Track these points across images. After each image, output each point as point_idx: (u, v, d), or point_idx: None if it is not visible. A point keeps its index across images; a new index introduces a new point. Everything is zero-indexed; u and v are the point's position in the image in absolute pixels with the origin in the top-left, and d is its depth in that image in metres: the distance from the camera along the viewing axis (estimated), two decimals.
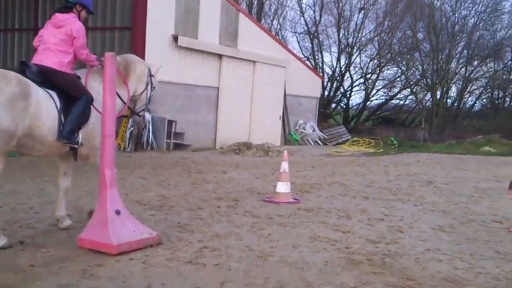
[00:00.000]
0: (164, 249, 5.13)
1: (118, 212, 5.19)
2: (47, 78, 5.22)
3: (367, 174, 12.28)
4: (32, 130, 4.92)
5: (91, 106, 5.42)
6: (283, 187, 8.15)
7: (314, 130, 24.53)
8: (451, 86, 32.61)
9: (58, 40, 5.34)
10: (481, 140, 23.20)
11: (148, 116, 6.42)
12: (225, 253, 5.06)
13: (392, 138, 24.40)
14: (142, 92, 6.08)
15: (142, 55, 15.89)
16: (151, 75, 6.16)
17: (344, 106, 36.13)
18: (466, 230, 6.48)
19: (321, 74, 30.85)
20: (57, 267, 4.54)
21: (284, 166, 8.22)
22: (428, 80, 31.69)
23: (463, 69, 32.11)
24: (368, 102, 35.72)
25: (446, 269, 4.70)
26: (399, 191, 9.61)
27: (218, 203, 7.80)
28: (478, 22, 31.51)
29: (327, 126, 27.21)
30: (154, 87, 6.26)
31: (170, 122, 16.30)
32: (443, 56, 31.10)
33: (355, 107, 36.46)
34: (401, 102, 35.62)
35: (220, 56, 18.97)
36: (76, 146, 5.34)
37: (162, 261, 4.76)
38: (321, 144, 24.06)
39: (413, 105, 34.60)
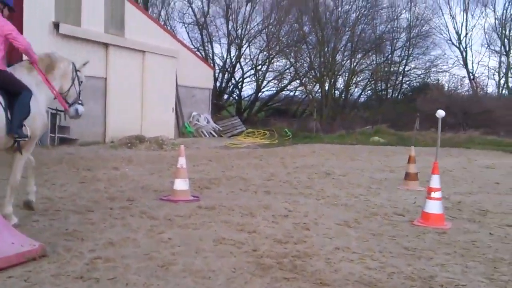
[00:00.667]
0: (49, 263, 4.45)
1: None
2: None
3: (266, 166, 12.22)
4: None
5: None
6: (181, 184, 7.69)
7: (208, 122, 24.20)
8: (338, 78, 34.05)
9: None
10: (369, 130, 24.45)
11: (81, 108, 6.39)
12: (121, 264, 4.52)
13: (286, 129, 24.83)
14: (70, 88, 6.21)
15: None
16: (76, 70, 6.33)
17: (237, 97, 36.27)
18: (371, 224, 6.51)
19: (212, 65, 30.56)
20: None
21: (181, 161, 7.75)
22: (316, 72, 32.76)
23: (348, 61, 33.63)
24: (260, 93, 36.18)
25: (358, 270, 4.59)
26: (300, 184, 9.61)
27: (110, 204, 7.14)
28: (359, 17, 33.12)
29: (221, 118, 27.04)
30: (81, 82, 6.41)
31: (54, 115, 14.93)
32: (329, 49, 32.29)
33: (247, 98, 36.75)
34: (292, 93, 36.58)
35: (106, 45, 17.84)
36: (26, 139, 5.51)
37: (47, 277, 4.11)
38: (216, 136, 23.81)
39: (303, 96, 35.68)
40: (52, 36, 15.52)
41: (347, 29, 32.62)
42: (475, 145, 21.19)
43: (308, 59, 33.43)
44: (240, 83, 36.01)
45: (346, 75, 34.15)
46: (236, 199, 7.88)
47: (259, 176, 10.51)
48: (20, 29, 14.21)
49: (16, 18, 14.34)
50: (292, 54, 33.55)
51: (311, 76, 33.97)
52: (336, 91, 34.27)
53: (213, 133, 23.90)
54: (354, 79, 34.64)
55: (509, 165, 14.23)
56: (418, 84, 36.00)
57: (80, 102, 6.35)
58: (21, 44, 5.61)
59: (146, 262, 4.61)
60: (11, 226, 4.65)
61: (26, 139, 5.52)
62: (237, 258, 4.87)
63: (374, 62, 35.08)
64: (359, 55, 33.53)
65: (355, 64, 33.58)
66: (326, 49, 32.05)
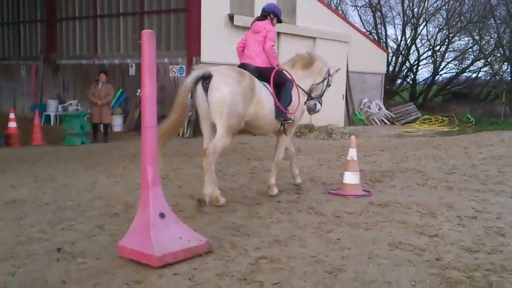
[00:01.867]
0: (215, 260, 4.35)
1: (162, 215, 4.46)
2: (260, 74, 6.60)
3: (446, 158, 10.97)
4: (257, 113, 6.32)
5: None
6: (351, 178, 7.15)
7: (380, 109, 23.03)
8: None
9: (257, 44, 6.76)
10: None
11: (319, 106, 7.31)
12: (286, 266, 4.20)
13: (468, 115, 22.40)
14: (319, 83, 7.22)
15: (197, 37, 15.23)
16: (329, 74, 7.30)
17: (411, 82, 33.96)
18: None
19: (385, 48, 29.03)
20: (91, 283, 3.89)
21: (352, 153, 7.20)
22: (506, 49, 28.98)
23: None
24: (437, 76, 33.40)
25: None
26: (489, 180, 8.33)
27: (277, 197, 6.95)
28: None
29: (394, 104, 25.57)
30: (329, 85, 7.39)
31: None
32: None
33: (423, 82, 34.22)
34: (474, 75, 32.97)
35: (278, 34, 17.95)
36: (290, 121, 6.73)
37: (212, 277, 3.98)
38: (388, 123, 22.55)
39: (488, 77, 31.94)
40: (227, 28, 16.11)
41: None
42: None
43: (496, 36, 29.73)
44: (415, 66, 33.69)
45: None
46: (412, 195, 7.08)
47: (438, 169, 9.43)
48: (198, 22, 15.27)
49: (195, 12, 15.26)
50: (476, 30, 30.19)
51: (498, 55, 30.20)
52: None
53: (385, 121, 22.70)
54: None
55: None
56: None
57: (320, 101, 7.30)
58: (265, 47, 6.70)
59: (313, 265, 4.23)
60: (178, 219, 4.66)
61: (290, 121, 6.70)
62: (417, 268, 4.20)
63: None
64: None
65: None
66: None
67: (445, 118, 21.82)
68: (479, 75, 32.75)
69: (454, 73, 33.08)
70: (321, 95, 7.28)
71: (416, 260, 4.37)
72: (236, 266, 4.19)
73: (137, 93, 16.36)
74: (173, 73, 15.82)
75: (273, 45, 6.75)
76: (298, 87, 6.92)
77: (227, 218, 5.78)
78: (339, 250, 4.64)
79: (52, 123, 17.79)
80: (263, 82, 6.52)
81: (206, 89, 5.99)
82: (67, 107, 18.19)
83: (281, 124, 6.74)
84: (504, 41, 28.96)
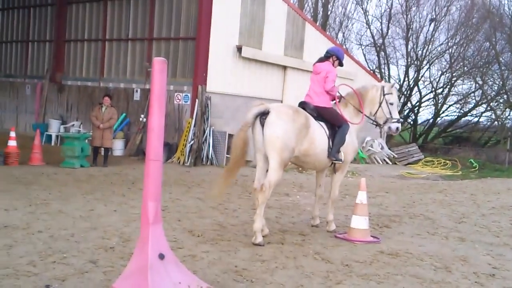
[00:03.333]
0: None
1: (161, 257, 4.13)
2: (319, 113, 6.92)
3: (454, 204, 10.64)
4: (308, 150, 6.59)
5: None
6: (360, 223, 6.82)
7: (382, 148, 22.79)
8: None
9: (318, 84, 7.07)
10: None
11: (394, 126, 7.34)
12: None
13: (472, 160, 22.19)
14: (377, 111, 7.32)
15: (204, 65, 15.12)
16: (384, 94, 7.26)
17: (412, 122, 33.92)
18: None
19: None
20: None
21: (362, 196, 6.89)
22: (510, 95, 29.00)
23: None
24: (438, 119, 33.34)
25: None
26: (501, 232, 7.99)
27: (281, 238, 6.60)
28: None
29: (396, 144, 25.39)
30: (391, 103, 7.28)
31: (231, 136, 15.31)
32: None
33: (424, 123, 34.18)
34: (475, 119, 32.89)
35: (284, 67, 17.88)
36: (340, 162, 7.00)
37: None
38: (390, 163, 22.29)
39: (489, 122, 31.87)
40: (235, 59, 16.02)
41: None
42: None
43: (500, 81, 29.79)
44: (417, 107, 33.71)
45: None
46: (423, 245, 6.73)
47: (447, 216, 9.09)
48: (206, 52, 15.17)
49: (204, 41, 15.16)
50: (479, 75, 30.28)
51: (501, 101, 30.21)
52: None
53: (387, 160, 22.43)
54: None
55: None
56: None
57: (395, 120, 7.31)
58: (326, 87, 6.98)
59: None
60: (178, 261, 4.31)
61: (341, 162, 7.00)
62: None
63: None
64: None
65: None
66: None
67: (447, 162, 21.55)
68: (481, 120, 32.75)
69: (456, 116, 33.09)
70: (392, 117, 7.28)
71: None
72: None
73: (141, 118, 16.16)
74: (178, 100, 15.64)
75: (334, 86, 7.00)
76: (352, 126, 7.14)
77: (229, 260, 5.43)
78: None
79: (53, 143, 17.52)
80: (320, 122, 6.84)
81: (263, 124, 6.33)
82: (69, 128, 17.96)
83: (332, 163, 7.04)
84: (508, 87, 28.97)
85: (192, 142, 14.74)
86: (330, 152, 6.82)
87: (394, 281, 5.06)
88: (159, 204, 4.25)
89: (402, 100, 32.73)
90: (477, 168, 21.03)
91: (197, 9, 15.57)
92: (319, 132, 6.74)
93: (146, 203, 4.20)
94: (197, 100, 14.87)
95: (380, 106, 7.25)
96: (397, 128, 7.33)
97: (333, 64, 7.21)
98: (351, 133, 7.07)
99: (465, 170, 20.36)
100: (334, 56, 7.25)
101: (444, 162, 21.59)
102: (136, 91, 16.92)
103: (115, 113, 13.26)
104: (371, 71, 30.03)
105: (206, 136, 14.94)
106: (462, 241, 7.16)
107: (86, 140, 13.20)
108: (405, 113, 33.94)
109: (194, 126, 14.79)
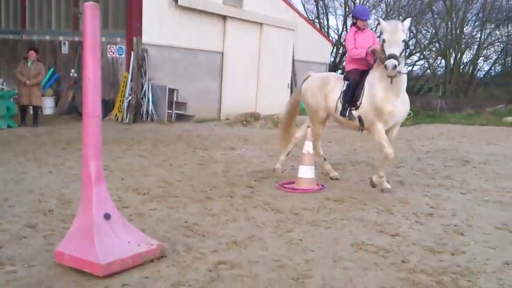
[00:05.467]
0: (168, 266, 3.92)
1: (107, 217, 3.98)
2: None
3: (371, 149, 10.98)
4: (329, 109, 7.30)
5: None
6: (307, 172, 6.90)
7: None
8: (465, 51, 30.95)
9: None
10: (502, 109, 21.80)
11: (386, 63, 6.16)
12: (248, 273, 3.85)
13: None
14: (381, 54, 6.52)
15: (138, 15, 14.40)
16: (381, 34, 6.58)
17: None
18: None
19: (329, 38, 29.20)
20: None
21: (308, 146, 6.96)
22: (442, 44, 30.02)
23: (477, 33, 30.39)
24: None
25: None
26: (437, 174, 8.36)
27: (230, 191, 6.57)
28: None
29: None
30: (384, 40, 6.33)
31: (171, 91, 14.93)
32: (457, 19, 29.34)
33: None
34: (409, 68, 33.89)
35: (224, 17, 17.39)
36: (352, 118, 6.88)
37: (167, 287, 3.56)
38: None
39: (422, 71, 33.06)
40: (171, 8, 15.34)
41: None
42: None
43: (433, 30, 30.73)
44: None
45: (474, 48, 30.88)
46: (366, 190, 6.93)
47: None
48: (139, 3, 14.43)
49: None
50: (414, 24, 30.98)
51: (434, 49, 31.26)
52: (462, 66, 31.20)
53: None
54: (483, 52, 31.24)
55: None
56: None
57: (386, 56, 6.24)
58: (350, 54, 7.17)
59: (277, 271, 3.90)
60: (126, 220, 4.17)
61: (353, 118, 6.90)
62: (384, 272, 3.98)
63: (506, 34, 31.31)
64: (492, 26, 30.03)
65: (485, 36, 30.21)
66: (454, 19, 29.13)
67: None
68: (414, 69, 33.82)
69: None
70: (385, 54, 6.21)
71: (382, 263, 4.16)
72: (193, 274, 3.79)
73: (71, 73, 15.34)
74: (111, 53, 14.88)
75: (351, 49, 7.09)
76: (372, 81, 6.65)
77: (178, 216, 5.35)
78: (302, 252, 4.34)
79: None
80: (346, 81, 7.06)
81: None
82: None
83: (359, 121, 6.85)
84: (440, 36, 29.94)
85: (130, 97, 14.24)
86: (341, 110, 6.95)
87: (341, 225, 5.18)
88: (101, 163, 4.05)
89: (341, 51, 33.09)
90: (411, 115, 21.77)
91: None
92: (337, 92, 7.07)
93: (87, 163, 3.98)
94: (132, 52, 14.24)
95: (381, 47, 6.45)
96: (386, 66, 6.11)
97: (355, 24, 7.26)
98: (364, 88, 6.70)
99: None
100: (353, 18, 7.38)
101: None
102: (64, 43, 15.93)
103: (42, 69, 12.50)
104: (311, 21, 29.98)
105: (145, 91, 14.45)
106: (402, 184, 7.43)
107: (12, 99, 12.43)
108: (344, 64, 34.47)
109: (131, 80, 14.25)
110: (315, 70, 22.94)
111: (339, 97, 6.98)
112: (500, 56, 32.25)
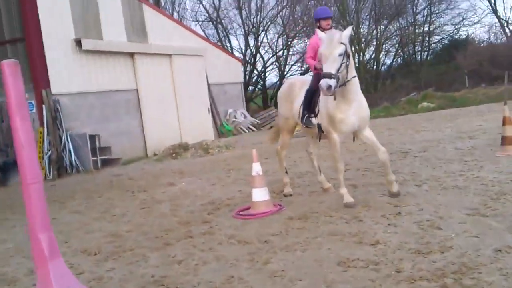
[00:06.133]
0: None
1: None
2: None
3: (328, 155, 11.00)
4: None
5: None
6: (260, 194, 6.62)
7: (245, 117, 23.13)
8: (366, 49, 32.45)
9: None
10: (415, 97, 22.93)
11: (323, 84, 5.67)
12: None
13: None
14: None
15: (42, 66, 13.57)
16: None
17: (262, 88, 35.06)
18: (508, 208, 5.33)
19: (239, 58, 29.40)
20: None
21: (256, 168, 6.68)
22: None
23: (374, 31, 32.01)
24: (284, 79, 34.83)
25: None
26: (383, 170, 8.40)
27: (187, 231, 6.12)
28: None
29: (257, 110, 25.91)
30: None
31: (92, 137, 14.12)
32: (352, 20, 30.75)
33: (273, 86, 35.55)
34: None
35: (131, 54, 16.86)
36: (310, 127, 6.80)
37: None
38: (255, 130, 22.69)
39: None
40: (77, 54, 14.62)
41: None
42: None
43: None
44: (263, 73, 34.81)
45: (374, 45, 32.48)
46: (324, 201, 6.78)
47: (331, 168, 9.34)
48: (41, 52, 13.56)
49: (35, 41, 13.51)
50: (312, 32, 31.94)
51: None
52: (367, 63, 32.67)
53: (252, 128, 22.81)
54: (383, 47, 32.94)
55: None
56: (449, 41, 34.06)
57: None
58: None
59: None
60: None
61: (310, 127, 6.88)
62: (384, 287, 3.76)
63: (399, 28, 33.27)
64: (385, 22, 31.77)
65: (381, 32, 31.89)
66: (350, 20, 30.51)
67: None
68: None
69: (299, 74, 34.77)
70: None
71: (377, 277, 3.95)
72: None
73: None
74: None
75: (308, 57, 6.91)
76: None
77: (142, 271, 4.84)
78: (290, 284, 4.03)
79: None
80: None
81: None
82: None
83: (319, 129, 6.61)
84: None
85: (50, 152, 13.28)
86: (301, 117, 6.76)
87: (317, 244, 4.94)
88: (52, 234, 3.52)
89: (248, 68, 33.44)
90: None
91: (19, 6, 13.83)
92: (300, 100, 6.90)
93: (37, 236, 3.44)
94: (43, 106, 13.34)
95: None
96: (320, 86, 5.66)
97: (320, 28, 6.52)
98: (322, 97, 6.28)
99: None
100: (316, 22, 6.74)
101: None
102: None
103: None
104: (218, 45, 30.06)
105: (64, 143, 13.54)
106: (355, 187, 7.37)
107: None
108: (254, 80, 34.86)
109: (48, 134, 13.30)
110: (231, 90, 23.16)
111: (302, 103, 6.78)
112: (398, 48, 34.11)
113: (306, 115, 6.67)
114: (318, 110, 6.50)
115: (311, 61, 6.86)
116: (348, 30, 6.04)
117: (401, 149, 10.53)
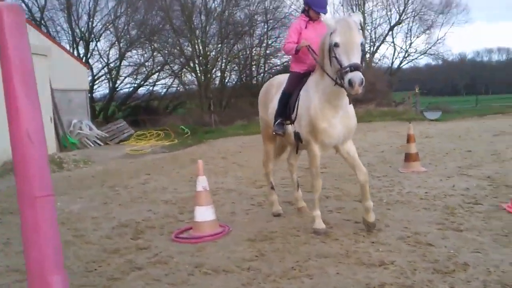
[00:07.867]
0: None
1: None
2: None
3: (219, 173, 10.32)
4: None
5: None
6: (206, 214, 5.69)
7: (91, 129, 20.97)
8: (214, 67, 32.42)
9: None
10: None
11: (346, 78, 4.63)
12: None
13: (182, 126, 22.65)
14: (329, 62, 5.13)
15: None
16: (330, 34, 5.00)
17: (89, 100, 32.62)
18: (473, 222, 5.40)
19: (86, 63, 26.83)
20: None
21: (203, 182, 5.72)
22: (190, 61, 30.80)
23: (221, 49, 32.25)
24: (121, 91, 33.28)
25: None
26: (304, 187, 8.12)
27: (126, 261, 4.90)
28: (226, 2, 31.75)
29: (104, 123, 23.86)
30: (335, 45, 4.86)
31: None
32: (200, 37, 30.57)
33: (102, 99, 33.63)
34: (157, 88, 33.75)
35: None
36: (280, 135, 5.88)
37: None
38: (102, 144, 20.68)
39: (178, 88, 33.45)
40: None
41: (215, 14, 31.09)
42: (373, 118, 21.69)
43: (178, 49, 31.09)
44: (91, 84, 32.25)
45: (221, 63, 32.70)
46: (257, 219, 6.21)
47: (236, 183, 8.81)
48: None
49: None
50: (153, 44, 30.67)
51: (184, 68, 31.82)
52: (213, 80, 32.63)
53: (98, 142, 20.75)
54: (229, 66, 33.34)
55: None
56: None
57: (346, 68, 4.71)
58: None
59: None
60: None
61: (280, 135, 5.99)
62: None
63: (244, 48, 34.16)
64: (231, 41, 32.24)
65: (228, 50, 32.27)
66: (198, 38, 30.25)
67: (160, 132, 21.49)
68: (156, 88, 33.86)
69: (132, 88, 33.27)
70: (342, 65, 4.72)
71: None
72: None
73: None
74: None
75: (286, 43, 5.76)
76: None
77: None
78: None
79: None
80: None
81: None
82: None
83: (296, 138, 5.59)
84: (187, 54, 30.58)
85: None
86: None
87: (319, 269, 4.27)
88: (67, 276, 2.30)
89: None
90: (188, 133, 21.63)
91: None
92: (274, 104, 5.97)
93: (46, 280, 2.19)
94: None
95: (329, 54, 4.97)
96: (350, 82, 4.57)
97: (306, 13, 5.72)
98: (301, 100, 5.43)
99: (180, 137, 20.60)
100: (305, 5, 5.76)
101: (156, 133, 21.43)
102: None
103: None
104: (64, 47, 26.93)
105: None
106: (291, 204, 6.90)
107: None
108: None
109: None
110: (75, 97, 20.90)
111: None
112: (241, 67, 34.75)
113: (279, 121, 5.69)
114: (296, 116, 5.55)
115: (292, 45, 5.65)
116: (359, 16, 5.24)
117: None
